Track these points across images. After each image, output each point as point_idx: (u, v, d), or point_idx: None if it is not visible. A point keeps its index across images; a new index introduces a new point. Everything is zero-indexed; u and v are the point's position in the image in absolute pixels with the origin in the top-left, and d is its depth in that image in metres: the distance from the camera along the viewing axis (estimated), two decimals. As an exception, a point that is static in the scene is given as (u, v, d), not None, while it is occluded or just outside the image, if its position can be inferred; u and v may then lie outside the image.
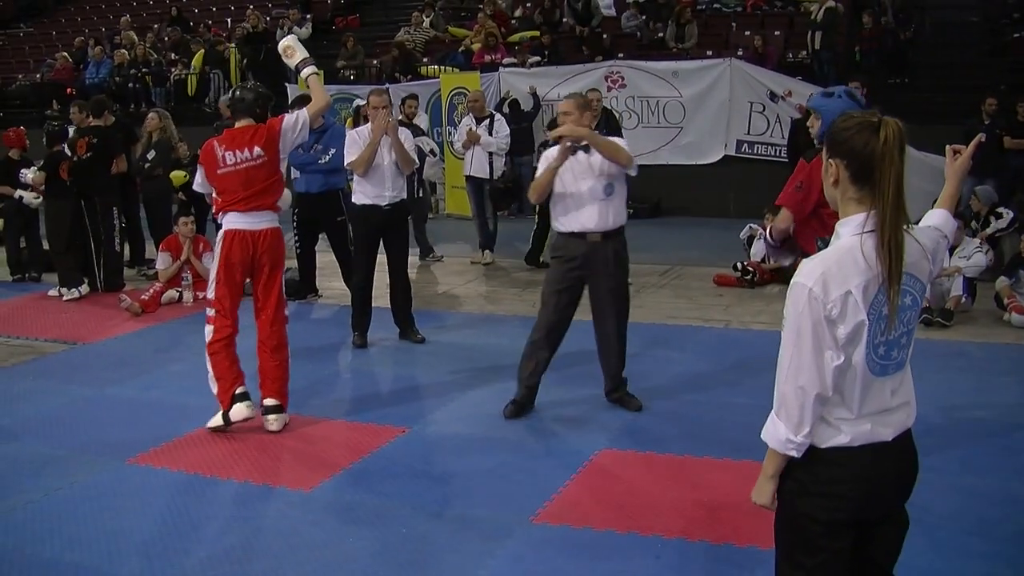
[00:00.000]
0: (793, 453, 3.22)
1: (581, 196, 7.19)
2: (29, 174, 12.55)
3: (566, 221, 7.30)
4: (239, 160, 7.23)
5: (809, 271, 3.15)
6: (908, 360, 3.31)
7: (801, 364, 3.16)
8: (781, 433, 3.23)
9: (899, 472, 3.33)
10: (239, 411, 7.18)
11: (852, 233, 3.15)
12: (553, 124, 9.62)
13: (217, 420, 7.24)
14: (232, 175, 7.25)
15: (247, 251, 7.22)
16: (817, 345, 3.13)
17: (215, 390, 7.26)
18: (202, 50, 22.29)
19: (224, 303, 7.31)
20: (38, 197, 12.51)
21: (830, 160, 3.25)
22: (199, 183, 7.60)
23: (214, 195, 7.42)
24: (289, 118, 7.46)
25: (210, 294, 7.34)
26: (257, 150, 7.25)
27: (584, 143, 7.10)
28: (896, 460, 3.29)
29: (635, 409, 7.46)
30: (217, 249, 7.31)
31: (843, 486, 3.20)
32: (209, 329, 7.30)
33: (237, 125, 7.39)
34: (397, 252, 9.54)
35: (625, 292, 7.51)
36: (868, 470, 3.21)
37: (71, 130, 12.60)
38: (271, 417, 7.25)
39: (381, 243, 9.46)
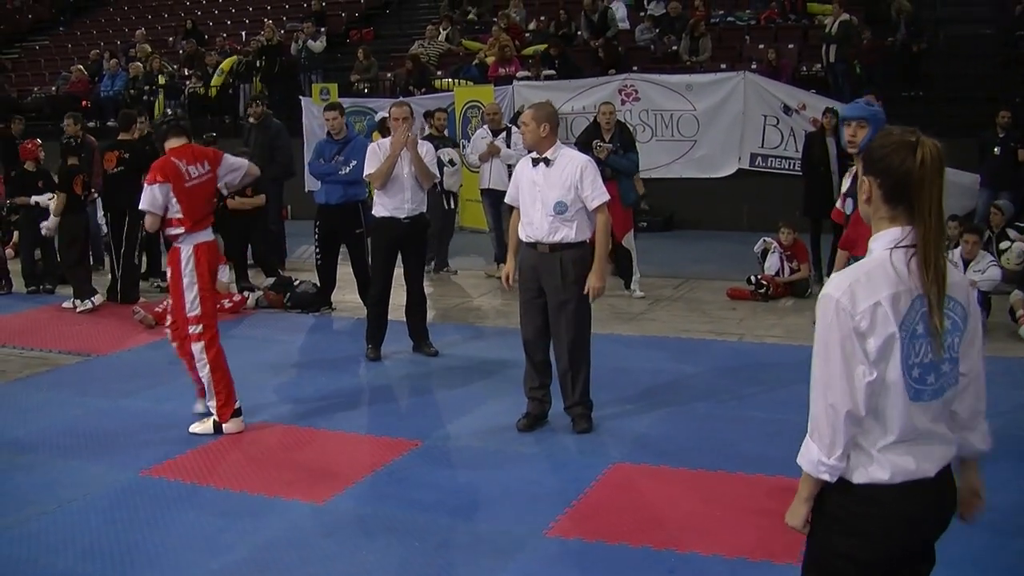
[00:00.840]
0: (826, 477, 3.12)
1: (532, 208, 7.23)
2: (44, 200, 12.63)
3: (521, 229, 7.37)
4: (200, 174, 7.54)
5: (837, 283, 3.07)
6: (958, 388, 3.16)
7: (831, 380, 3.04)
8: (814, 455, 3.13)
9: (939, 508, 3.19)
10: (236, 424, 7.45)
11: (884, 247, 3.06)
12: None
13: (207, 427, 7.44)
14: (198, 188, 7.50)
15: (215, 263, 7.60)
16: (846, 359, 3.01)
17: (215, 403, 7.44)
18: (234, 58, 22.21)
19: (212, 317, 7.52)
20: (51, 198, 12.57)
21: (864, 177, 3.16)
22: (152, 201, 7.41)
23: (174, 214, 7.45)
24: (229, 156, 7.92)
25: (195, 311, 7.43)
26: (207, 165, 7.59)
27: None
28: (937, 497, 3.15)
29: (579, 431, 7.32)
30: (190, 267, 7.39)
31: (880, 525, 3.08)
32: (200, 346, 7.43)
33: (173, 145, 7.61)
34: (414, 265, 9.58)
35: (576, 309, 7.25)
36: (908, 509, 3.08)
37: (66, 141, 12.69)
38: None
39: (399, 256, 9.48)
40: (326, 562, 5.39)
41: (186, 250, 7.40)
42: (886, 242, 3.07)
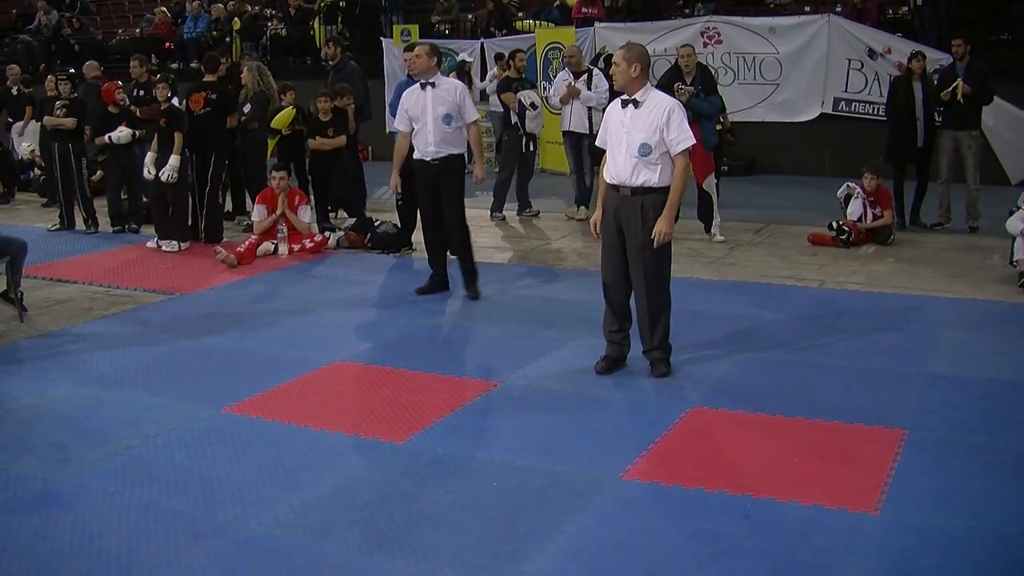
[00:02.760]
0: None
1: (617, 149, 7.18)
2: (117, 135, 12.77)
3: (606, 170, 7.32)
4: None
5: None
6: None
7: None
8: None
9: None
10: None
11: None
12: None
13: None
14: None
15: None
16: None
17: None
18: None
19: None
20: (123, 131, 12.72)
21: None
22: None
23: None
24: None
25: None
26: None
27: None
28: None
29: (658, 375, 7.32)
30: None
31: None
32: None
33: None
34: (448, 204, 9.62)
35: (656, 253, 7.20)
36: None
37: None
38: None
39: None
40: (404, 501, 5.44)
41: None
42: None
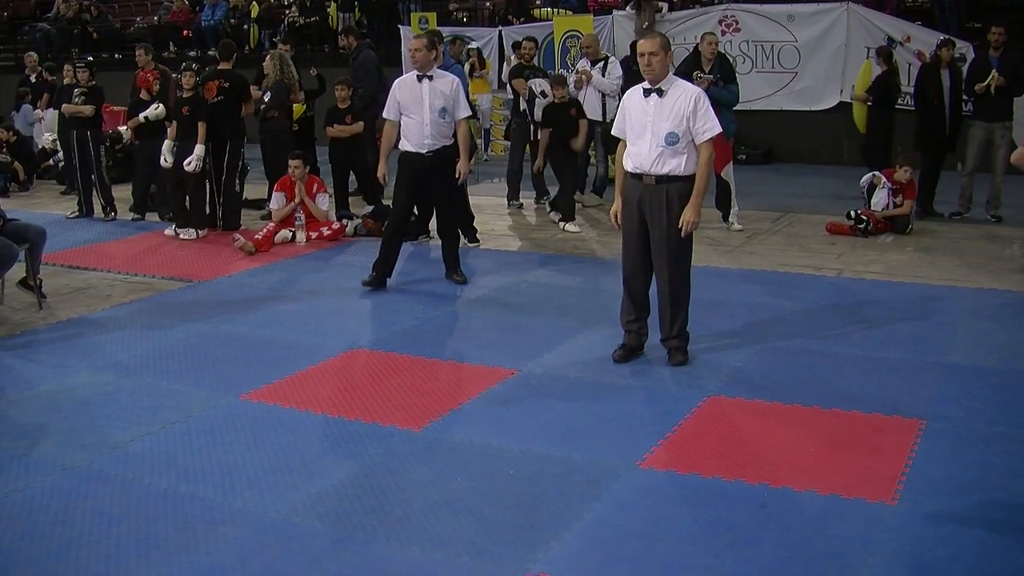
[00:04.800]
0: None
1: (640, 139, 7.14)
2: (150, 112, 12.83)
3: (627, 159, 7.28)
4: None
5: None
6: None
7: None
8: None
9: None
10: None
11: None
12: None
13: None
14: None
15: None
16: None
17: None
18: None
19: None
20: (157, 107, 12.79)
21: None
22: None
23: None
24: None
25: None
26: None
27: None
28: None
29: (675, 364, 7.31)
30: None
31: None
32: None
33: None
34: (442, 196, 9.72)
35: (679, 243, 7.22)
36: None
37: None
38: None
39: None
40: (421, 488, 5.45)
41: None
42: None
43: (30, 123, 17.96)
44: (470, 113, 9.99)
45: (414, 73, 9.49)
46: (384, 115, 9.61)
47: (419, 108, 9.37)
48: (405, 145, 9.49)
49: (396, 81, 9.70)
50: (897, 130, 13.44)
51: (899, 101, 15.38)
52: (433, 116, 9.37)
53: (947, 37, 13.04)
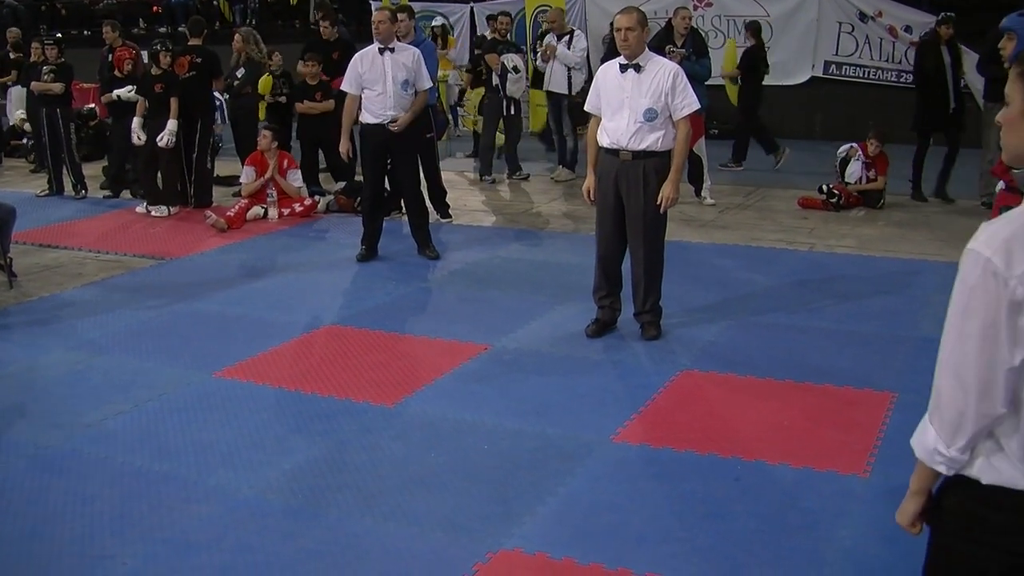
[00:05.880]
0: (942, 468, 2.49)
1: (617, 115, 7.12)
2: (124, 92, 12.75)
3: (603, 135, 7.25)
4: None
5: (990, 236, 2.34)
6: None
7: (965, 358, 2.37)
8: (930, 441, 2.49)
9: None
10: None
11: None
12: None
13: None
14: None
15: None
16: (990, 335, 2.33)
17: None
18: None
19: None
20: (131, 90, 12.69)
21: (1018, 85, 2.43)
22: None
23: None
24: None
25: None
26: None
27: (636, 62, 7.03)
28: None
29: (648, 338, 7.34)
30: None
31: (1015, 540, 2.43)
32: None
33: None
34: (405, 171, 9.75)
35: (656, 218, 7.24)
36: None
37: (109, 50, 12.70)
38: None
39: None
40: (396, 464, 5.46)
41: None
42: None
43: None
44: (431, 84, 9.99)
45: (375, 46, 9.46)
46: (344, 87, 9.59)
47: (381, 80, 9.37)
48: (367, 118, 9.48)
49: (356, 55, 9.67)
50: (859, 105, 13.39)
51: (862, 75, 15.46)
52: (396, 88, 9.38)
53: (947, 14, 12.77)
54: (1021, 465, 2.37)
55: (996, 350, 2.33)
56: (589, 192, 7.38)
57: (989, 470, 2.42)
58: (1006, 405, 2.36)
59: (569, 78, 13.26)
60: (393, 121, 9.36)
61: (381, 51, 9.41)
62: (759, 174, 13.79)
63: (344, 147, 9.67)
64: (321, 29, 13.36)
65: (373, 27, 9.52)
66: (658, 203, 7.07)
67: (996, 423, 2.39)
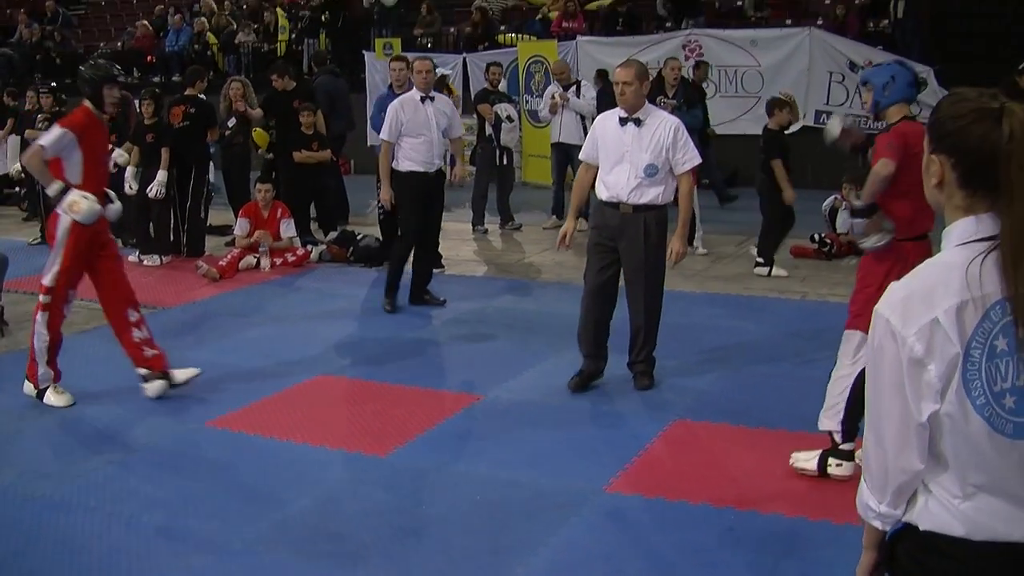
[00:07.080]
0: (877, 524, 2.56)
1: (618, 168, 7.10)
2: (118, 159, 12.75)
3: (601, 188, 7.24)
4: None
5: (890, 296, 2.41)
6: None
7: (880, 416, 2.43)
8: (864, 497, 2.56)
9: None
10: (60, 398, 7.26)
11: (955, 244, 2.40)
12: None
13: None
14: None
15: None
16: (899, 391, 2.36)
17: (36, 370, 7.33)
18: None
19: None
20: (123, 155, 12.69)
21: (933, 156, 2.45)
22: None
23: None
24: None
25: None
26: None
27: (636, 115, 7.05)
28: None
29: (641, 387, 7.33)
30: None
31: None
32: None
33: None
34: (436, 217, 9.85)
35: (656, 270, 7.26)
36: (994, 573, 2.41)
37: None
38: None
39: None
40: (388, 515, 5.43)
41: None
42: (958, 236, 2.40)
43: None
44: (463, 132, 10.15)
45: (414, 94, 9.55)
46: (384, 136, 9.56)
47: (427, 128, 9.44)
48: (410, 165, 9.46)
49: (395, 102, 9.66)
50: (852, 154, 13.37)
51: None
52: (439, 137, 9.54)
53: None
54: (953, 511, 2.40)
55: (904, 407, 2.37)
56: (566, 237, 7.37)
57: (926, 516, 2.45)
58: (923, 460, 2.40)
59: (583, 127, 13.29)
60: (440, 171, 9.60)
61: (423, 100, 9.49)
62: (750, 224, 13.79)
63: (386, 195, 9.67)
64: (273, 82, 13.34)
65: (418, 76, 9.54)
66: (670, 258, 7.12)
67: (916, 478, 2.44)
